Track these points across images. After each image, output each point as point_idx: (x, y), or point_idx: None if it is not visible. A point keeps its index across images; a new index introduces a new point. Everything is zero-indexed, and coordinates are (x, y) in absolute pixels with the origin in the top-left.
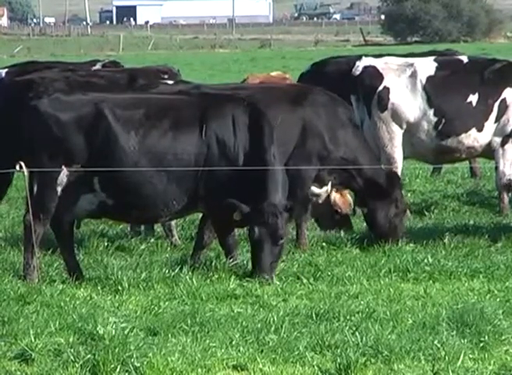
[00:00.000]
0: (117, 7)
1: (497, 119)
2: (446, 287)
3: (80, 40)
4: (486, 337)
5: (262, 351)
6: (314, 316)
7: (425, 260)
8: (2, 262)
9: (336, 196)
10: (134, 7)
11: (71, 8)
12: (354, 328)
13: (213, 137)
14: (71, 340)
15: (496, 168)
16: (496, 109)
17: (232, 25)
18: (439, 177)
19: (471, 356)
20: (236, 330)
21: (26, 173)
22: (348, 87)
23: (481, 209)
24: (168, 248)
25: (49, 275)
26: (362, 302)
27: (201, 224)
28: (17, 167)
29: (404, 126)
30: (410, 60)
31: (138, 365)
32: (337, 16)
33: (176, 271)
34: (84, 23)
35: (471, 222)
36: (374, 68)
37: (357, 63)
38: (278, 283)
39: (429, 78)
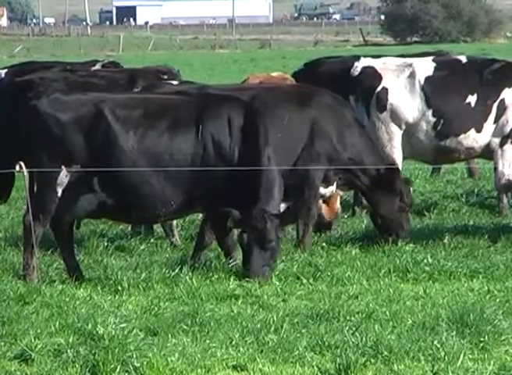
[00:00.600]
0: (117, 7)
1: (496, 120)
2: (446, 287)
3: (80, 40)
4: (486, 338)
5: (262, 351)
6: (313, 316)
7: (425, 260)
8: (2, 263)
9: (322, 205)
10: (134, 7)
11: (71, 8)
12: (354, 328)
13: (209, 138)
14: (71, 340)
15: (495, 168)
16: (494, 110)
17: (232, 25)
18: (439, 178)
19: (470, 356)
20: (236, 331)
21: (25, 174)
22: (340, 87)
23: (480, 210)
24: (168, 249)
25: (49, 275)
26: (362, 303)
27: (202, 224)
28: (17, 167)
29: (403, 127)
30: (408, 60)
31: (138, 365)
32: (337, 17)
33: (176, 271)
34: (84, 23)
35: (471, 222)
36: (372, 68)
37: (356, 64)
38: (277, 283)
39: (428, 78)
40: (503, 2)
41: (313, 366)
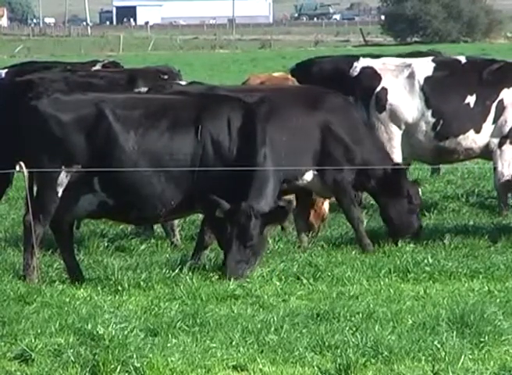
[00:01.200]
0: (117, 7)
1: (495, 121)
2: (446, 287)
3: (80, 40)
4: (486, 338)
5: (262, 351)
6: (314, 316)
7: (425, 260)
8: (2, 263)
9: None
10: (134, 7)
11: (71, 8)
12: (354, 328)
13: (208, 138)
14: (71, 340)
15: (495, 169)
16: (493, 110)
17: (232, 25)
18: (439, 178)
19: (471, 357)
20: (236, 331)
21: (26, 174)
22: (332, 86)
23: (481, 210)
24: (169, 249)
25: (49, 275)
26: (362, 303)
27: (203, 224)
28: (17, 167)
29: (403, 127)
30: (407, 61)
31: (138, 365)
32: (337, 17)
33: (176, 271)
34: (84, 23)
35: (471, 222)
36: (372, 69)
37: (355, 64)
38: (278, 283)
39: (427, 79)
40: (503, 2)
41: (313, 366)
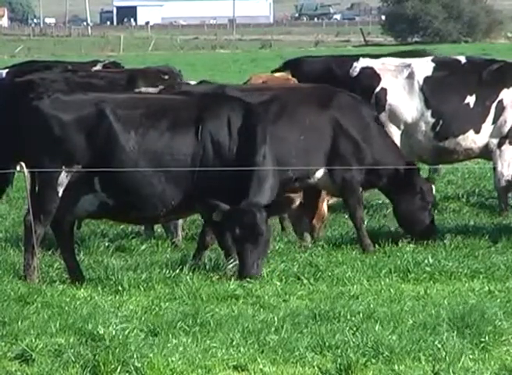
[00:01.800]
0: (117, 7)
1: (494, 121)
2: (447, 287)
3: (81, 40)
4: (487, 338)
5: (263, 351)
6: (314, 316)
7: (426, 261)
8: (3, 263)
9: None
10: (135, 7)
11: (71, 8)
12: (355, 328)
13: (208, 138)
14: (71, 340)
15: (495, 169)
16: (493, 111)
17: (232, 25)
18: (439, 178)
19: (471, 357)
20: (237, 331)
21: (26, 174)
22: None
23: (481, 210)
24: (169, 249)
25: (49, 275)
26: (363, 303)
27: (204, 224)
28: (17, 167)
29: (402, 127)
30: (407, 61)
31: (139, 365)
32: (337, 17)
33: (177, 271)
34: (85, 23)
35: (472, 222)
36: (371, 69)
37: (355, 64)
38: (278, 283)
39: (426, 79)
40: (503, 3)
41: (314, 366)
